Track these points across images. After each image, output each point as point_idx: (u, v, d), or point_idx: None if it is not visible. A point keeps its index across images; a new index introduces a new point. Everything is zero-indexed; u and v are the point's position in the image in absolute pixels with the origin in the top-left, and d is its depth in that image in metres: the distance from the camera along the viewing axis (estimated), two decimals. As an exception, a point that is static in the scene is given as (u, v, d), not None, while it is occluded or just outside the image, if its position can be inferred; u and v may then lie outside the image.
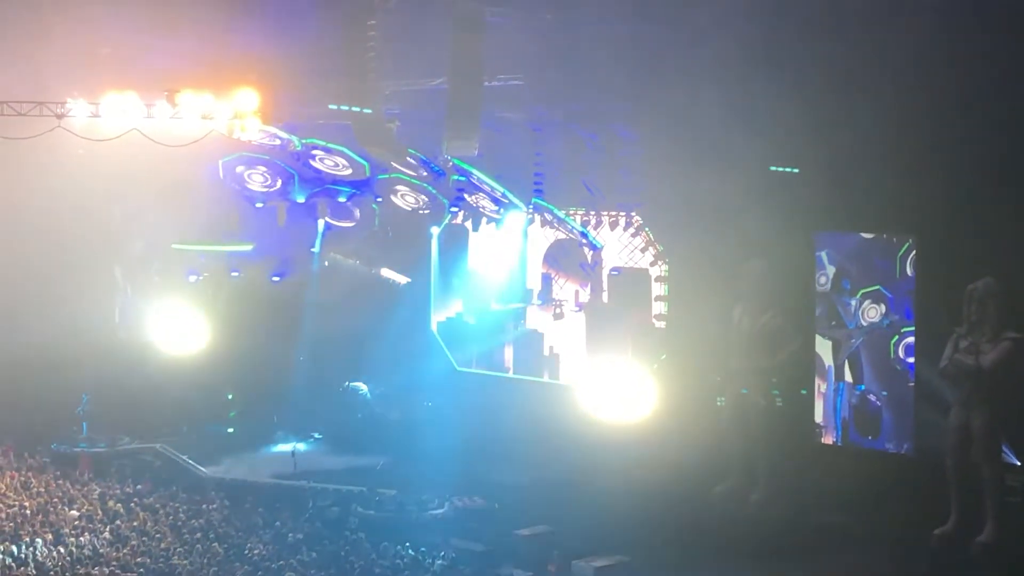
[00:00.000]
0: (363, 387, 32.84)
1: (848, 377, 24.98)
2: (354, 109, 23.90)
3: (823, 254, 25.17)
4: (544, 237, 30.38)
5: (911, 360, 23.93)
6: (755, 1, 21.94)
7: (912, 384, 23.92)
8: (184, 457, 29.63)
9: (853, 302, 24.79)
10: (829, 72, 22.22)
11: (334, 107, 24.53)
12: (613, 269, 29.04)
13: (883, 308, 24.32)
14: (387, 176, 30.15)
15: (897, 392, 24.22)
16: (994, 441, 22.20)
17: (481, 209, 30.63)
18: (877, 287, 24.46)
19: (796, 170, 24.65)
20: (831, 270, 25.10)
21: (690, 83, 23.16)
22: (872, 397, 24.63)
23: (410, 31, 24.51)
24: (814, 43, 21.92)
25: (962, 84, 21.05)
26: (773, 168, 24.72)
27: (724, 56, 22.55)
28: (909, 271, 23.89)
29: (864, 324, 24.65)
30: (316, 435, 31.95)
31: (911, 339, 23.93)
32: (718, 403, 26.60)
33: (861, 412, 24.73)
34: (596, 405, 27.30)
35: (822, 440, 25.30)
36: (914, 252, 23.77)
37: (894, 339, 24.20)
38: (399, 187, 30.62)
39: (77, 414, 31.25)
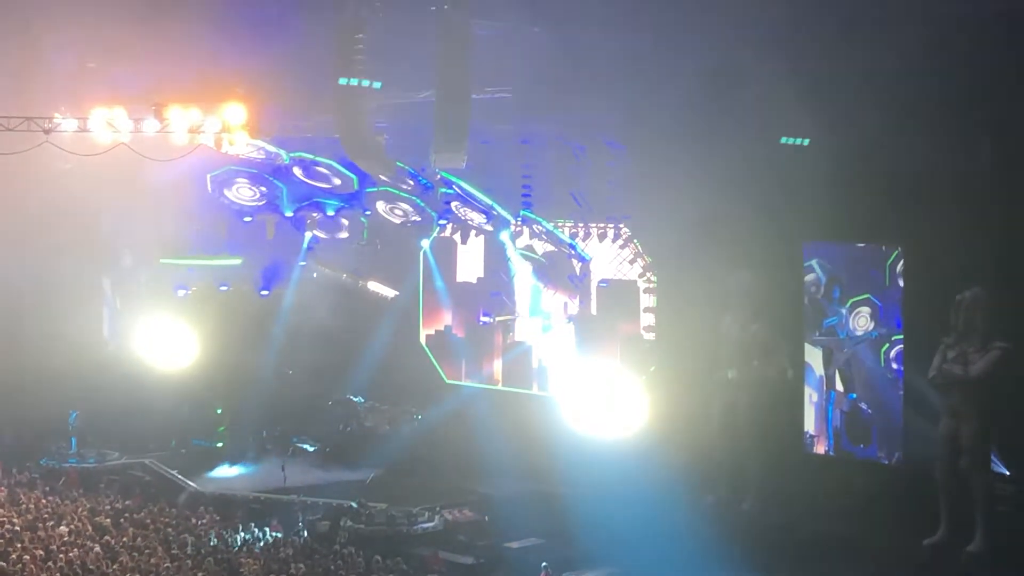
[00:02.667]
0: (358, 399, 32.72)
1: (839, 386, 25.01)
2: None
3: (814, 262, 25.19)
4: (532, 249, 30.35)
5: (900, 368, 23.98)
6: (741, 16, 21.99)
7: (902, 392, 23.96)
8: (173, 472, 29.56)
9: (843, 311, 24.82)
10: (818, 82, 22.26)
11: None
12: (601, 281, 29.04)
13: (873, 317, 24.36)
14: (375, 189, 30.17)
15: (888, 400, 24.24)
16: (983, 450, 22.25)
17: (469, 222, 30.62)
18: (867, 295, 24.50)
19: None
20: (822, 279, 25.13)
21: (678, 95, 23.20)
22: (863, 405, 24.66)
23: (398, 44, 24.50)
24: (802, 55, 21.97)
25: (949, 94, 21.11)
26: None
27: (711, 68, 22.60)
28: (899, 280, 23.92)
29: (855, 333, 24.67)
30: (308, 446, 31.87)
31: (901, 347, 23.96)
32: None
33: (853, 420, 24.76)
34: (585, 417, 27.30)
35: (814, 449, 25.32)
36: (902, 261, 23.82)
37: (884, 347, 24.23)
38: (387, 200, 30.63)
39: (69, 427, 31.19)
